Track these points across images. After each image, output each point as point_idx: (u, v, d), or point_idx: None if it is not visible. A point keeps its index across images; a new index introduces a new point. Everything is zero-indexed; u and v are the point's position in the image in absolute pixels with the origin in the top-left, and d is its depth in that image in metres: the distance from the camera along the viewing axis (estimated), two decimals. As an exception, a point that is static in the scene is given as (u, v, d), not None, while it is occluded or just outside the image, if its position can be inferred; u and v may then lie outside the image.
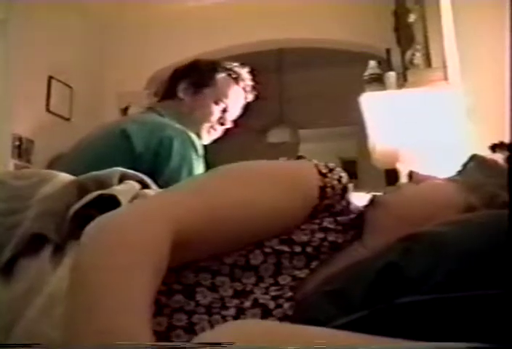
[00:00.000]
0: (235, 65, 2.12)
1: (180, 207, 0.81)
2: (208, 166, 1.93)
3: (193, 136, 1.87)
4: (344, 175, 0.95)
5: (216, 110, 2.05)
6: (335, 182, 0.92)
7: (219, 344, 0.53)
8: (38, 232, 0.91)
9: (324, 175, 0.92)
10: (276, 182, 0.90)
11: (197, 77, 2.07)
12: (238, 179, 0.89)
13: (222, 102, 2.05)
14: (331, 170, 0.93)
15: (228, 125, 2.12)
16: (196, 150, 1.83)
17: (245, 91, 2.12)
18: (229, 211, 0.84)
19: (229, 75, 2.07)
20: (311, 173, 0.92)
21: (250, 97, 2.16)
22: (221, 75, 2.06)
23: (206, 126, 2.05)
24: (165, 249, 0.74)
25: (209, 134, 2.08)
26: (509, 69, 1.56)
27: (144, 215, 0.78)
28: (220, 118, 2.06)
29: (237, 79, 2.09)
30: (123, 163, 1.50)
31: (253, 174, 0.91)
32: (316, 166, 0.93)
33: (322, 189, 0.91)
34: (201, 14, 4.23)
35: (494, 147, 1.04)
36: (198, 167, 1.84)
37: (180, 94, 2.05)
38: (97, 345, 0.62)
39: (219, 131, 2.11)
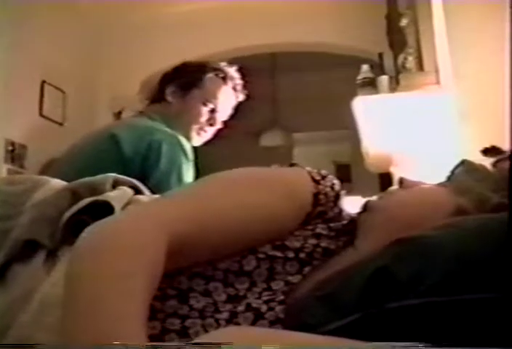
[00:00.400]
0: (223, 65, 2.11)
1: (174, 214, 0.81)
2: (198, 169, 1.93)
3: (183, 139, 1.87)
4: (337, 182, 0.96)
5: (204, 111, 2.03)
6: (328, 189, 0.93)
7: (218, 344, 0.54)
8: (31, 238, 0.91)
9: (317, 182, 0.93)
10: (270, 189, 0.90)
11: (184, 79, 2.06)
12: (232, 186, 0.90)
13: (211, 102, 2.04)
14: (324, 177, 0.94)
15: (218, 126, 2.10)
16: (185, 154, 1.83)
17: (235, 90, 2.11)
18: (223, 218, 0.85)
19: (217, 75, 2.06)
20: (305, 180, 0.93)
21: (241, 96, 2.15)
22: (208, 76, 2.05)
23: (194, 127, 2.04)
24: (160, 256, 0.74)
25: (199, 135, 2.07)
26: (509, 72, 1.57)
27: (138, 222, 0.78)
28: (209, 119, 2.05)
29: (225, 79, 2.07)
30: (113, 168, 1.49)
31: (247, 181, 0.92)
32: (309, 173, 0.94)
33: (315, 196, 0.91)
34: (194, 18, 4.23)
35: (485, 152, 1.05)
36: (188, 171, 1.83)
37: (169, 98, 2.05)
38: (95, 345, 0.63)
39: (209, 132, 2.10)
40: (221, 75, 2.07)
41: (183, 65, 2.14)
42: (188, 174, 1.84)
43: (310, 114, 5.84)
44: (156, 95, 2.11)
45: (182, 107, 2.04)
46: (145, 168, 1.75)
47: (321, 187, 0.92)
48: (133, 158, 1.76)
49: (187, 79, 2.06)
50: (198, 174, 1.95)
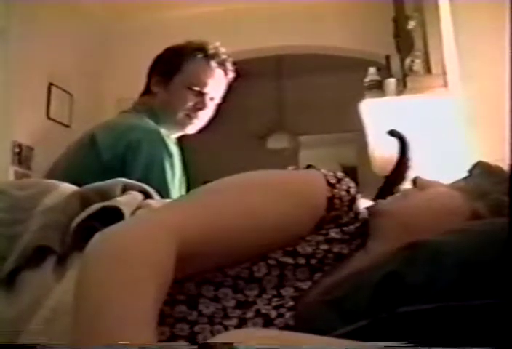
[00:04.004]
0: (204, 43, 1.98)
1: (184, 221, 0.80)
2: (186, 165, 1.88)
3: (164, 134, 1.78)
4: (353, 186, 0.93)
5: (190, 96, 1.92)
6: (343, 193, 0.90)
7: (228, 344, 0.54)
8: (42, 244, 0.91)
9: (332, 186, 0.90)
10: (283, 193, 0.88)
11: (164, 66, 1.96)
12: (244, 192, 0.88)
13: (196, 85, 1.92)
14: (339, 180, 0.92)
15: (209, 108, 1.97)
16: (167, 150, 1.75)
17: (222, 67, 1.97)
18: (234, 223, 0.84)
19: (197, 55, 1.94)
20: (319, 183, 0.90)
21: (230, 73, 2.00)
22: (189, 58, 1.94)
23: (182, 115, 1.92)
24: (169, 262, 0.74)
25: (188, 122, 1.95)
26: (509, 75, 1.56)
27: (149, 229, 0.78)
28: (197, 103, 1.92)
29: (208, 57, 1.94)
30: (93, 173, 1.45)
31: (259, 187, 0.90)
32: (325, 176, 0.91)
33: (330, 200, 0.89)
34: (200, 20, 4.23)
35: (391, 133, 1.04)
36: (172, 167, 1.75)
37: (154, 88, 1.96)
38: (99, 345, 0.63)
39: (201, 117, 1.97)
40: (202, 54, 1.94)
41: (164, 51, 2.03)
42: (173, 169, 1.75)
43: (317, 117, 5.83)
44: (145, 87, 2.02)
45: (167, 95, 1.93)
46: (124, 171, 1.64)
47: (336, 191, 0.90)
48: (112, 161, 1.70)
49: (167, 66, 1.95)
50: (185, 167, 1.91)
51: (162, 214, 0.85)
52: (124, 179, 1.08)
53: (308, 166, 0.99)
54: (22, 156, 3.58)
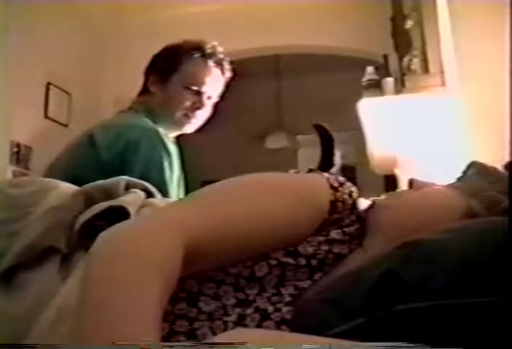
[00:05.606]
0: (201, 42, 1.96)
1: (190, 219, 0.81)
2: (184, 164, 1.87)
3: (162, 133, 1.79)
4: (354, 189, 0.94)
5: (188, 95, 1.91)
6: (346, 197, 0.92)
7: (230, 344, 0.54)
8: (49, 245, 0.91)
9: (335, 189, 0.91)
10: (287, 196, 0.89)
11: (161, 65, 1.96)
12: (249, 192, 0.89)
13: (194, 85, 1.91)
14: (342, 184, 0.93)
15: (206, 107, 1.96)
16: (165, 149, 1.75)
17: (219, 66, 1.97)
18: (240, 224, 0.84)
19: (195, 54, 1.93)
20: (323, 187, 0.91)
21: (228, 72, 2.00)
22: (186, 57, 1.93)
23: (180, 114, 1.92)
24: (176, 262, 0.74)
25: (186, 122, 1.95)
26: (509, 74, 1.57)
27: (155, 227, 0.78)
28: (194, 102, 1.92)
29: (205, 56, 1.93)
30: (93, 173, 1.44)
31: (264, 187, 0.91)
32: (328, 179, 0.92)
33: (333, 203, 0.90)
34: (198, 20, 4.24)
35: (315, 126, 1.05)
36: (171, 166, 1.76)
37: (151, 87, 1.95)
38: (102, 343, 0.63)
39: (199, 117, 1.97)
40: (199, 54, 1.93)
41: (161, 50, 2.02)
42: (172, 169, 1.76)
43: (315, 116, 5.81)
44: (142, 87, 2.01)
45: (165, 95, 1.92)
46: (124, 169, 1.64)
47: (338, 194, 0.91)
48: (110, 160, 1.70)
49: (165, 65, 1.95)
50: (183, 166, 1.91)
51: (168, 213, 0.85)
52: (126, 177, 1.08)
53: (310, 170, 0.99)
54: (20, 156, 3.58)
